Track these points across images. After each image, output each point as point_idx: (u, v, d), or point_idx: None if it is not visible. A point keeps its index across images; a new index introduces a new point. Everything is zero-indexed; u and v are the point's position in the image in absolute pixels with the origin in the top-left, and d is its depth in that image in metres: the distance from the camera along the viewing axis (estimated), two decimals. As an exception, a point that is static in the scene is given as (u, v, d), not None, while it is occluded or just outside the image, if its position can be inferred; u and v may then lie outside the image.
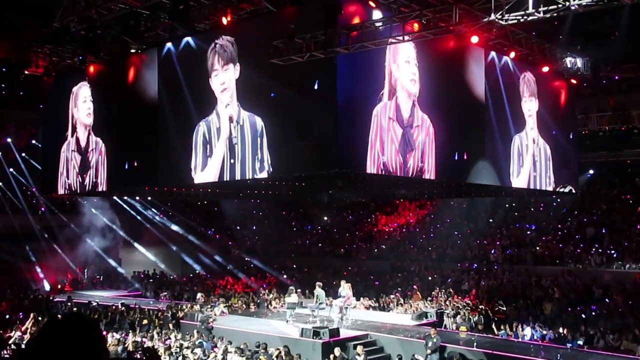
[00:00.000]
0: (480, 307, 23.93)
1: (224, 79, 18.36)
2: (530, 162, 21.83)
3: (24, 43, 22.61)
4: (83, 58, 21.73)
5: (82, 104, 23.06)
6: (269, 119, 17.28)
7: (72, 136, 23.46)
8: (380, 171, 16.73)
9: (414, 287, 27.61)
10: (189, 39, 19.22)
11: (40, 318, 21.23)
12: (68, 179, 23.62)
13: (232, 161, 18.13)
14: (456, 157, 19.35)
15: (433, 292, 26.24)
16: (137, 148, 21.17)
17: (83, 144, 22.97)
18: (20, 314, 23.94)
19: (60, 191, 24.31)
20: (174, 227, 36.26)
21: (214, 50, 18.54)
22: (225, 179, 18.63)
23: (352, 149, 16.40)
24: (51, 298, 28.72)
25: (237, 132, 18.01)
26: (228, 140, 18.24)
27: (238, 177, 18.22)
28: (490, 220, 32.05)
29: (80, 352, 2.85)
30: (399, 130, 17.14)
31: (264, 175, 17.60)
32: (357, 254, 34.41)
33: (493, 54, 19.93)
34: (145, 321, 23.79)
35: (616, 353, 19.11)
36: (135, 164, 21.25)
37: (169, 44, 19.83)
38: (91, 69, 22.56)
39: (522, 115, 21.51)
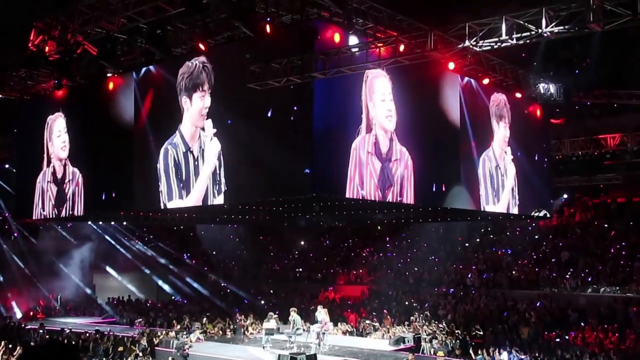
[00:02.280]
0: (457, 331, 23.90)
1: (192, 107, 18.43)
2: (505, 187, 22.03)
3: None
4: (58, 82, 21.58)
5: (56, 138, 22.81)
6: (229, 145, 17.37)
7: (47, 166, 23.10)
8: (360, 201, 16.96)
9: (384, 311, 27.51)
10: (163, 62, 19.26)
11: (11, 346, 20.77)
12: (44, 210, 23.31)
13: (210, 187, 18.12)
14: (434, 189, 19.53)
15: (411, 317, 26.18)
16: (114, 175, 20.99)
17: (59, 175, 22.69)
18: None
19: (34, 216, 24.00)
20: (149, 252, 35.86)
21: (184, 76, 18.58)
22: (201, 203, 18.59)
23: (329, 174, 16.47)
24: (23, 325, 28.11)
25: (200, 158, 18.03)
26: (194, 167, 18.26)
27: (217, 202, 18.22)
28: (467, 245, 32.19)
29: None
30: (377, 164, 17.34)
31: (220, 200, 17.62)
32: (334, 279, 34.28)
33: (467, 79, 20.20)
34: (120, 348, 23.37)
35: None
36: (113, 194, 21.07)
37: (146, 68, 19.81)
38: (65, 93, 22.41)
39: (496, 140, 21.74)
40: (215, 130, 17.96)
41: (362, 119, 17.02)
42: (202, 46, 17.91)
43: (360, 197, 16.99)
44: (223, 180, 17.43)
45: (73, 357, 3.00)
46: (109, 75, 20.70)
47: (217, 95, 17.99)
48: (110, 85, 21.10)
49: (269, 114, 16.76)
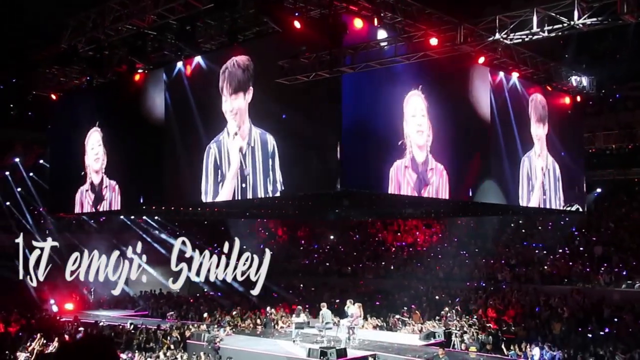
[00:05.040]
0: (488, 326, 23.73)
1: (233, 106, 18.42)
2: (539, 185, 21.75)
3: (32, 64, 22.80)
4: (90, 78, 21.88)
5: (90, 150, 23.09)
6: (280, 139, 17.33)
7: (86, 181, 23.42)
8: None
9: (412, 306, 27.43)
10: (199, 58, 19.32)
11: (45, 340, 21.20)
12: (82, 210, 23.74)
13: (243, 186, 18.12)
14: (470, 194, 19.50)
15: (442, 312, 26.06)
16: (148, 177, 21.14)
17: (96, 183, 22.99)
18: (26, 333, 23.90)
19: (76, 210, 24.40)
20: (181, 246, 36.11)
21: (224, 74, 18.59)
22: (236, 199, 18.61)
23: (360, 169, 16.49)
24: (58, 318, 28.66)
25: (248, 154, 17.99)
26: (239, 170, 18.22)
27: (250, 196, 18.23)
28: (498, 239, 31.90)
29: None
30: (414, 175, 17.56)
31: (277, 195, 17.55)
32: (364, 273, 34.27)
33: (501, 74, 19.97)
34: (151, 343, 23.71)
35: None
36: (150, 193, 21.25)
37: (179, 64, 19.92)
38: (98, 91, 22.67)
39: (531, 137, 21.46)
40: (250, 123, 17.96)
41: (401, 136, 17.25)
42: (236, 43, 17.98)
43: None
44: (279, 176, 17.33)
45: (109, 351, 3.05)
46: (139, 71, 20.88)
47: (257, 91, 17.97)
48: (141, 82, 21.26)
49: (284, 117, 16.93)
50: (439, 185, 18.25)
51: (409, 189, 17.40)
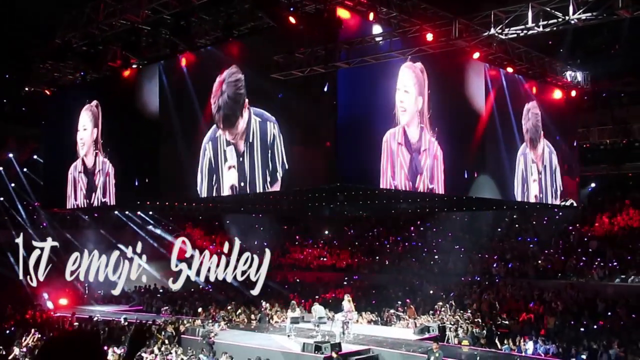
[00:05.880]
0: (478, 320, 23.82)
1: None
2: (532, 176, 21.81)
3: (25, 59, 22.70)
4: (84, 74, 21.82)
5: (82, 131, 23.02)
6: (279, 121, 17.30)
7: (79, 158, 23.34)
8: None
9: (407, 301, 27.49)
10: (193, 53, 19.29)
11: (40, 335, 21.17)
12: (76, 200, 23.58)
13: (242, 185, 18.11)
14: (466, 175, 19.48)
15: (435, 306, 26.14)
16: (144, 164, 21.12)
17: (90, 165, 22.91)
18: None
19: (69, 206, 24.29)
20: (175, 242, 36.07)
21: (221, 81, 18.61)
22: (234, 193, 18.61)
23: (356, 164, 16.51)
24: (52, 313, 28.62)
25: (246, 150, 17.96)
26: (237, 165, 18.20)
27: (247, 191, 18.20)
28: (493, 234, 31.99)
29: None
30: (407, 155, 17.40)
31: (277, 187, 17.48)
32: (359, 268, 34.32)
33: (496, 69, 19.99)
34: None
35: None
36: (147, 180, 21.21)
37: (173, 59, 19.87)
38: (92, 85, 22.60)
39: (525, 132, 21.50)
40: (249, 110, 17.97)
41: (394, 110, 17.11)
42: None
43: (393, 187, 17.06)
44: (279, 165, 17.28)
45: (94, 345, 3.03)
46: (133, 66, 20.83)
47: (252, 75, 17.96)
48: (135, 77, 21.22)
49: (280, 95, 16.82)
50: (433, 169, 18.16)
51: (402, 174, 17.23)
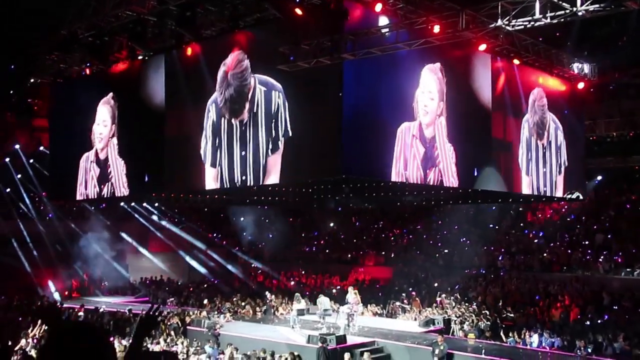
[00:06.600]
0: (487, 313, 23.81)
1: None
2: (539, 169, 21.74)
3: (32, 50, 22.71)
4: (91, 65, 21.82)
5: (103, 126, 22.95)
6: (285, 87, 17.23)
7: (92, 149, 23.32)
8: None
9: (412, 293, 27.48)
10: (199, 44, 19.27)
11: (45, 325, 21.21)
12: (86, 189, 23.60)
13: (243, 153, 18.07)
14: (475, 173, 19.46)
15: (437, 298, 26.16)
16: (151, 156, 21.12)
17: (103, 157, 22.91)
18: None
19: (78, 197, 24.28)
20: (181, 234, 36.24)
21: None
22: (236, 180, 18.54)
23: (361, 157, 16.48)
24: (58, 304, 28.72)
25: (249, 120, 17.97)
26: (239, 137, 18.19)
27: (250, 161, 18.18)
28: (497, 227, 31.93)
29: None
30: (421, 148, 17.54)
31: (278, 155, 17.40)
32: (364, 261, 34.34)
33: (502, 61, 19.91)
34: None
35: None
36: (152, 172, 21.21)
37: (179, 50, 19.85)
38: (100, 77, 22.58)
39: (531, 125, 21.41)
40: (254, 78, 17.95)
41: (412, 104, 17.24)
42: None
43: (404, 179, 17.05)
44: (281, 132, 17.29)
45: (101, 339, 3.00)
46: (139, 57, 20.81)
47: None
48: (141, 68, 21.20)
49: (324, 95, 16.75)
50: (446, 166, 18.22)
51: (415, 165, 17.29)
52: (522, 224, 31.91)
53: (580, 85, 22.07)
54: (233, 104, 18.30)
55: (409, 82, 17.27)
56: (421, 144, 17.50)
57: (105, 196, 22.98)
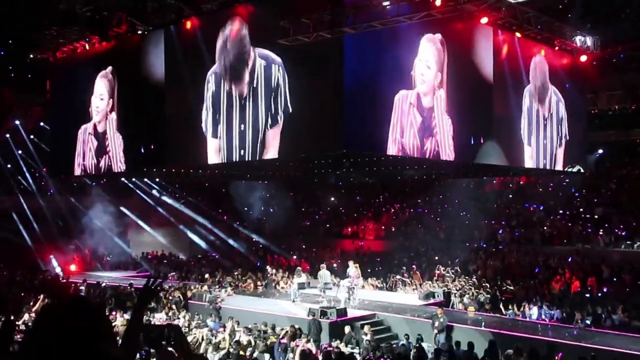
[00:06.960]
0: (486, 286, 23.95)
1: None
2: (539, 142, 21.70)
3: (30, 25, 22.53)
4: (90, 40, 21.67)
5: (100, 100, 22.88)
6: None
7: (90, 122, 23.26)
8: (399, 152, 16.97)
9: (413, 267, 27.61)
10: (199, 18, 19.13)
11: (47, 300, 21.36)
12: (84, 160, 23.57)
13: (242, 127, 18.04)
14: (472, 142, 19.39)
15: (436, 271, 26.29)
16: (151, 131, 21.08)
17: (101, 130, 22.86)
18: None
19: (77, 171, 24.26)
20: (182, 209, 36.29)
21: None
22: (236, 154, 18.52)
23: (361, 131, 16.43)
24: (60, 279, 28.90)
25: (249, 94, 17.90)
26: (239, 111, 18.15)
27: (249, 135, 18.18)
28: (498, 201, 31.97)
29: (84, 337, 2.80)
30: (418, 117, 17.43)
31: (277, 129, 17.37)
32: (365, 235, 34.45)
33: (504, 34, 19.75)
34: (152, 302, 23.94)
35: (625, 332, 19.01)
36: (152, 147, 21.18)
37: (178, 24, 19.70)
38: (98, 51, 22.43)
39: (533, 98, 21.31)
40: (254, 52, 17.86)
41: (411, 72, 17.14)
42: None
43: (401, 146, 16.97)
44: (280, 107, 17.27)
45: (96, 313, 2.96)
46: (139, 32, 20.66)
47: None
48: (141, 42, 21.05)
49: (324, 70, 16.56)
50: (443, 134, 18.16)
51: (411, 133, 17.23)
52: (522, 197, 31.95)
53: (583, 58, 21.93)
54: (233, 72, 18.19)
55: (408, 52, 17.12)
56: (418, 113, 17.38)
57: (103, 169, 22.98)
